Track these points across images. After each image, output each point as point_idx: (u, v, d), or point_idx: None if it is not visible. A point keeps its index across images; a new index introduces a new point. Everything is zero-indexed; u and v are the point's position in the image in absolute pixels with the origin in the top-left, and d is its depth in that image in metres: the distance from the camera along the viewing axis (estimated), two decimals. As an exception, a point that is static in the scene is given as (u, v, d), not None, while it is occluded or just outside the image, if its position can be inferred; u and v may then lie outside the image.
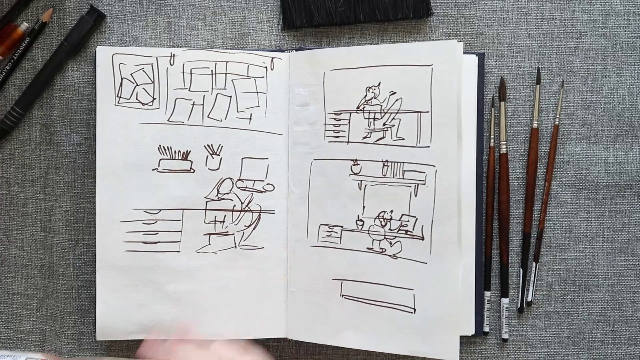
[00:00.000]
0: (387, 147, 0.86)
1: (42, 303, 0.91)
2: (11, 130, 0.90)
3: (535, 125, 0.91)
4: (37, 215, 0.91)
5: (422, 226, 0.86)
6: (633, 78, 0.92)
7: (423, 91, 0.85)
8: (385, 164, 0.86)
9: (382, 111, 0.86)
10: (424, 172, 0.85)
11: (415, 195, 0.86)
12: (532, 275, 0.92)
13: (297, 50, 0.89)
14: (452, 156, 0.85)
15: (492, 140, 0.91)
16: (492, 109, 0.91)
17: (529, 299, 0.92)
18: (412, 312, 0.86)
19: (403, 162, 0.86)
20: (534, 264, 0.92)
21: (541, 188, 0.92)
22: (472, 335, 0.90)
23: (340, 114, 0.87)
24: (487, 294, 0.92)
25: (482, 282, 0.91)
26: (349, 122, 0.87)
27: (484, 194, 0.91)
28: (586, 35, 0.92)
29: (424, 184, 0.85)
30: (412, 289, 0.86)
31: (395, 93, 0.86)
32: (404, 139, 0.86)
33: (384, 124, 0.86)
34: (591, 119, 0.92)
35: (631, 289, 0.92)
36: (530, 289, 0.92)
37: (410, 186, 0.86)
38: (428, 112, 0.85)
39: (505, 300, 0.92)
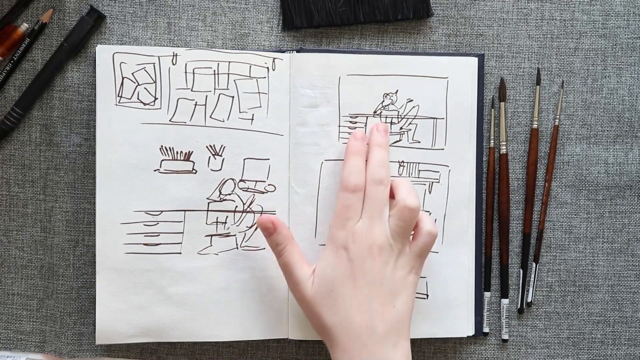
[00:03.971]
0: (403, 149, 0.89)
1: (42, 304, 0.91)
2: (11, 131, 0.90)
3: (535, 126, 0.91)
4: (37, 216, 0.90)
5: (435, 219, 0.89)
6: (633, 79, 0.92)
7: (439, 100, 0.89)
8: (401, 164, 0.88)
9: (399, 116, 0.88)
10: (438, 172, 0.89)
11: (430, 192, 0.89)
12: (532, 275, 0.92)
13: (297, 51, 0.89)
14: (464, 157, 0.89)
15: (492, 141, 0.91)
16: (492, 109, 0.91)
17: (529, 300, 0.92)
18: (425, 298, 0.89)
19: (418, 163, 0.89)
20: (534, 264, 0.92)
21: (541, 188, 0.92)
22: (472, 335, 0.91)
23: (357, 117, 0.88)
24: (487, 294, 0.92)
25: (482, 283, 0.91)
26: (365, 125, 0.88)
27: (484, 194, 0.91)
28: (586, 35, 0.92)
29: (438, 182, 0.89)
30: (425, 277, 0.89)
31: (412, 100, 0.88)
32: (419, 142, 0.89)
33: (401, 128, 0.89)
34: (591, 120, 0.92)
35: (631, 290, 0.92)
36: (530, 289, 0.92)
37: (425, 184, 0.89)
38: (443, 118, 0.89)
39: (505, 301, 0.92)
